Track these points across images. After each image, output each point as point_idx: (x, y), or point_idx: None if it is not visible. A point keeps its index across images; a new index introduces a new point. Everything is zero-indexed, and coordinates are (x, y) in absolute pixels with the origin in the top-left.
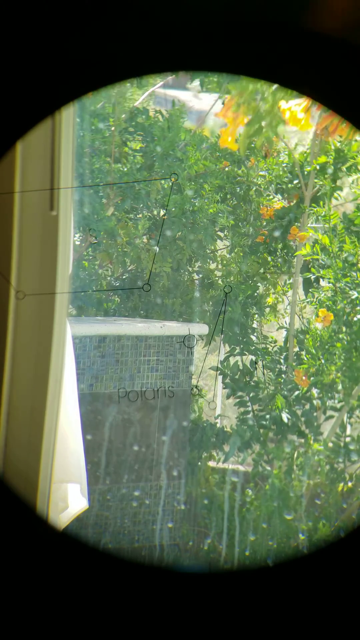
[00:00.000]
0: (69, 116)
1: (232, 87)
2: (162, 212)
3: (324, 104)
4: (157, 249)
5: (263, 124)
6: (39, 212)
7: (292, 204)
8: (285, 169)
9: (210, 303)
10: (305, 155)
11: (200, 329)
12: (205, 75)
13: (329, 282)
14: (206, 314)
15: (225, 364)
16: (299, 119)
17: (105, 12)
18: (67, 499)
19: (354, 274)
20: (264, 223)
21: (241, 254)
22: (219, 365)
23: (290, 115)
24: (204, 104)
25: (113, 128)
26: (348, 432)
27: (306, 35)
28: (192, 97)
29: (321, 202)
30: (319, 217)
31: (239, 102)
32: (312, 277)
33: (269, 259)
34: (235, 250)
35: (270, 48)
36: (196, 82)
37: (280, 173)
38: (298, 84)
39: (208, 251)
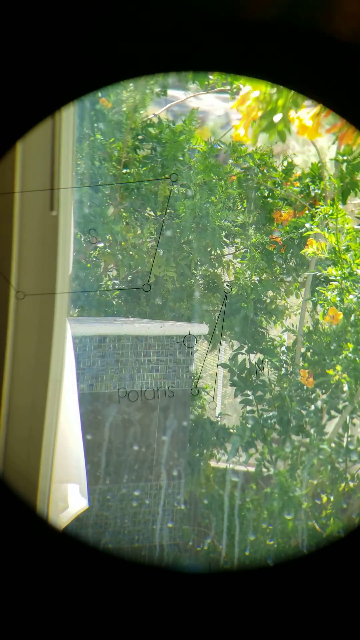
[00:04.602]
0: (69, 116)
1: (245, 81)
2: (165, 215)
3: (325, 104)
4: (162, 251)
5: (276, 119)
6: (39, 212)
7: (304, 212)
8: (300, 179)
9: (216, 306)
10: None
11: (200, 329)
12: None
13: (335, 280)
14: (210, 316)
15: (232, 361)
16: (307, 127)
17: (105, 11)
18: (67, 499)
19: None
20: (279, 230)
21: (252, 260)
22: (227, 362)
23: (299, 123)
24: (203, 104)
25: (125, 135)
26: (350, 432)
27: (306, 35)
28: (191, 98)
29: (329, 201)
30: (326, 216)
31: (253, 95)
32: (319, 275)
33: (278, 264)
34: (248, 256)
35: (271, 48)
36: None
37: (294, 188)
38: (299, 84)
39: (214, 255)
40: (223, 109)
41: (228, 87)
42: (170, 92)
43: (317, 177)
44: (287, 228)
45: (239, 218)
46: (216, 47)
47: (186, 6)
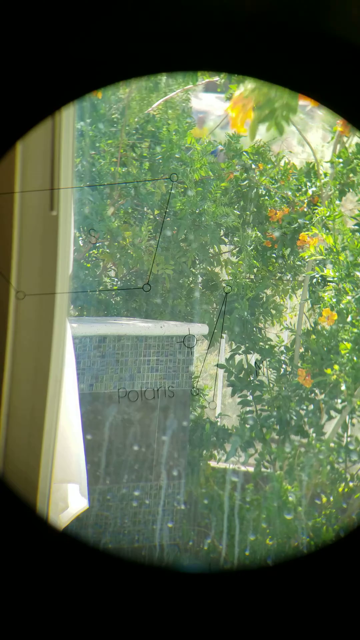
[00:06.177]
0: (69, 116)
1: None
2: (165, 214)
3: (324, 104)
4: (160, 249)
5: (276, 105)
6: (39, 212)
7: (301, 209)
8: (296, 178)
9: (214, 305)
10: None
11: (200, 329)
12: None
13: (333, 282)
14: (209, 315)
15: (230, 362)
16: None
17: (105, 12)
18: (67, 499)
19: (358, 273)
20: (273, 227)
21: (248, 258)
22: (224, 363)
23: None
24: (203, 104)
25: (121, 132)
26: (350, 432)
27: (306, 35)
28: (191, 97)
29: (326, 202)
30: (324, 218)
31: (249, 88)
32: (317, 277)
33: (276, 262)
34: (242, 255)
35: (270, 48)
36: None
37: (290, 182)
38: (298, 84)
39: (212, 253)
40: (223, 109)
41: (217, 79)
42: (170, 92)
43: (314, 176)
44: (283, 224)
45: (236, 213)
46: (216, 47)
47: (186, 7)
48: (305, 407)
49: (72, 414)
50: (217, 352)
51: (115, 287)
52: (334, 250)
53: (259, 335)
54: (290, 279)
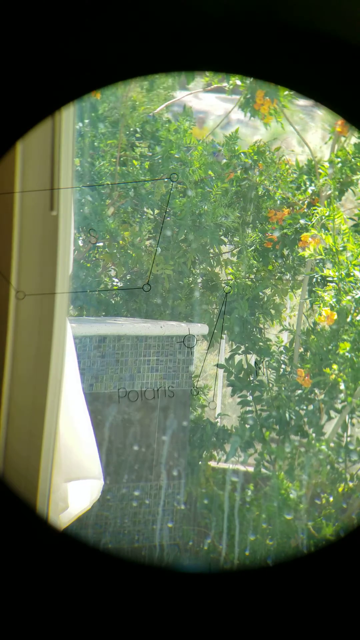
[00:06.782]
0: (69, 116)
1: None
2: (165, 214)
3: (323, 103)
4: (160, 250)
5: None
6: (39, 212)
7: (301, 210)
8: (296, 177)
9: (214, 304)
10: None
11: (200, 329)
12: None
13: (332, 281)
14: (209, 315)
15: (230, 362)
16: None
17: (104, 12)
18: (67, 499)
19: (357, 273)
20: (273, 227)
21: (248, 258)
22: (224, 363)
23: None
24: (203, 104)
25: (120, 132)
26: (350, 432)
27: (306, 35)
28: (192, 98)
29: (325, 202)
30: (323, 217)
31: None
32: (317, 277)
33: (277, 262)
34: (242, 255)
35: (270, 48)
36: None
37: (289, 181)
38: (298, 84)
39: (212, 254)
40: (223, 109)
41: (225, 84)
42: (171, 96)
43: (313, 174)
44: (284, 224)
45: (237, 215)
46: (215, 47)
47: (185, 7)
48: (305, 407)
49: (77, 412)
50: (217, 352)
51: (115, 287)
52: (334, 250)
53: (258, 335)
54: (290, 279)
